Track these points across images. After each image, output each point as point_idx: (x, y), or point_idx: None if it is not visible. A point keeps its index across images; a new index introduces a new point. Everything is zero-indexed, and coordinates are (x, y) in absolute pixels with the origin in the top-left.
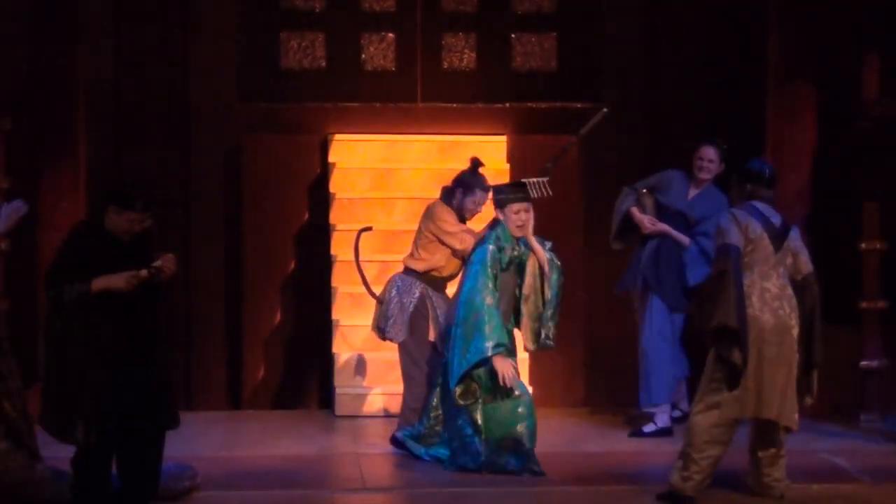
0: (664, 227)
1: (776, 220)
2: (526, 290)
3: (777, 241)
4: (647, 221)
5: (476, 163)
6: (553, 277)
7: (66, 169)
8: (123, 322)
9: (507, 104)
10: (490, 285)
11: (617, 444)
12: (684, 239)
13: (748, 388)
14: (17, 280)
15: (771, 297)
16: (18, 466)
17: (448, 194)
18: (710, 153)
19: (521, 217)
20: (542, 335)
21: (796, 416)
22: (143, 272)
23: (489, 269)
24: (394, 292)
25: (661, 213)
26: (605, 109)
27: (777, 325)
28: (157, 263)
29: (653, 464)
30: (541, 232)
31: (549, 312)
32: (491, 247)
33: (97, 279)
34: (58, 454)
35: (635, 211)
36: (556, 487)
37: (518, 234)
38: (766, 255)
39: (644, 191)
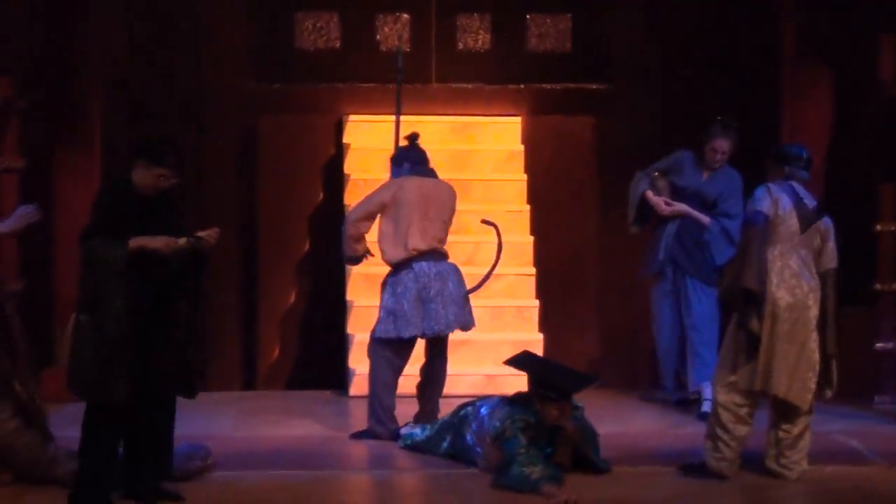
0: (683, 207)
1: (810, 202)
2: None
3: (805, 221)
4: (664, 203)
5: (413, 136)
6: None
7: (81, 150)
8: (159, 283)
9: (522, 85)
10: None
11: (631, 424)
12: (704, 218)
13: (760, 362)
14: (32, 261)
15: (790, 274)
16: (29, 445)
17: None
18: (724, 146)
19: (560, 415)
20: None
21: (808, 395)
22: (183, 241)
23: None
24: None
25: (677, 194)
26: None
27: (793, 303)
28: (200, 233)
29: (668, 443)
30: (554, 218)
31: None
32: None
33: (135, 238)
34: (67, 434)
35: (650, 194)
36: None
37: (554, 423)
38: (791, 234)
39: (657, 174)
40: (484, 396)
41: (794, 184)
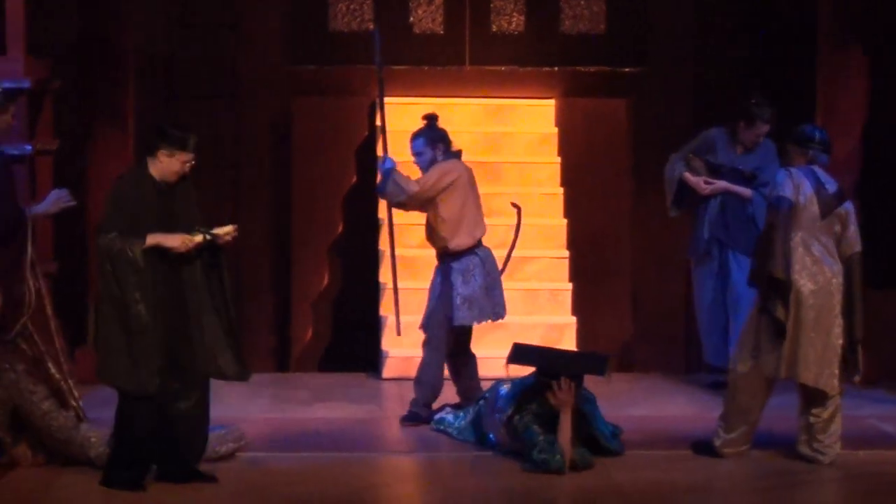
0: (723, 184)
1: (831, 186)
2: None
3: (826, 207)
4: (703, 182)
5: (433, 117)
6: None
7: (115, 130)
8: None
9: (556, 67)
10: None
11: (664, 407)
12: (746, 192)
13: (784, 349)
14: (66, 242)
15: (812, 261)
16: (63, 427)
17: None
18: (766, 129)
19: (565, 400)
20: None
21: (836, 381)
22: (199, 237)
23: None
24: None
25: (713, 172)
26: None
27: (816, 290)
28: (217, 230)
29: (702, 427)
30: (587, 200)
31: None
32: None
33: (152, 235)
34: (101, 414)
35: (689, 176)
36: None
37: (559, 407)
38: (813, 219)
39: (691, 155)
40: (498, 381)
41: (816, 168)
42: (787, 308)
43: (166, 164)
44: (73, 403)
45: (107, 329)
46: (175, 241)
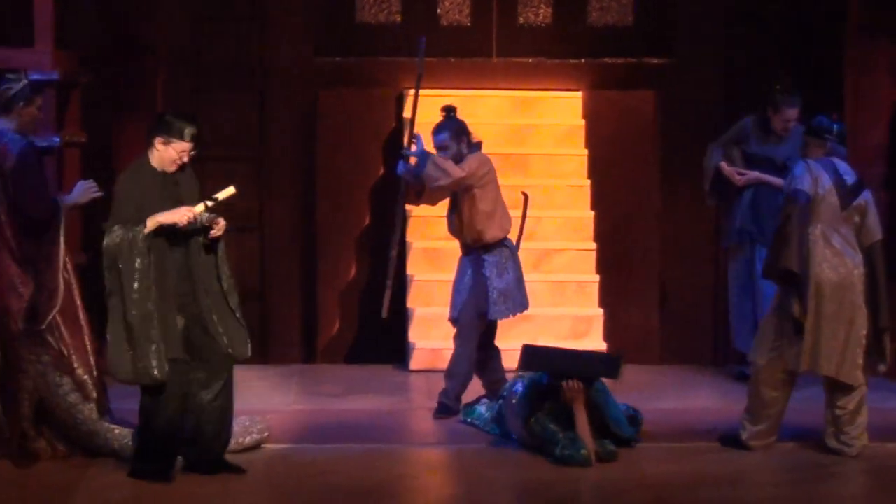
0: (756, 174)
1: (850, 178)
2: None
3: (845, 198)
4: (736, 174)
5: (452, 109)
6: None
7: (142, 123)
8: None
9: (583, 59)
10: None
11: (691, 399)
12: (778, 182)
13: (805, 342)
14: (94, 235)
15: (832, 253)
16: (87, 419)
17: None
18: (793, 114)
19: (575, 396)
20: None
21: (859, 372)
22: (200, 207)
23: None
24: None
25: (749, 161)
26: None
27: (837, 282)
28: (218, 195)
29: (729, 419)
30: (614, 193)
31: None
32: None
33: (150, 217)
34: (125, 406)
35: (724, 165)
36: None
37: (570, 404)
38: (832, 211)
39: (728, 144)
40: (514, 379)
41: (835, 159)
42: (803, 304)
43: (162, 153)
44: (97, 396)
45: (114, 326)
46: (175, 215)
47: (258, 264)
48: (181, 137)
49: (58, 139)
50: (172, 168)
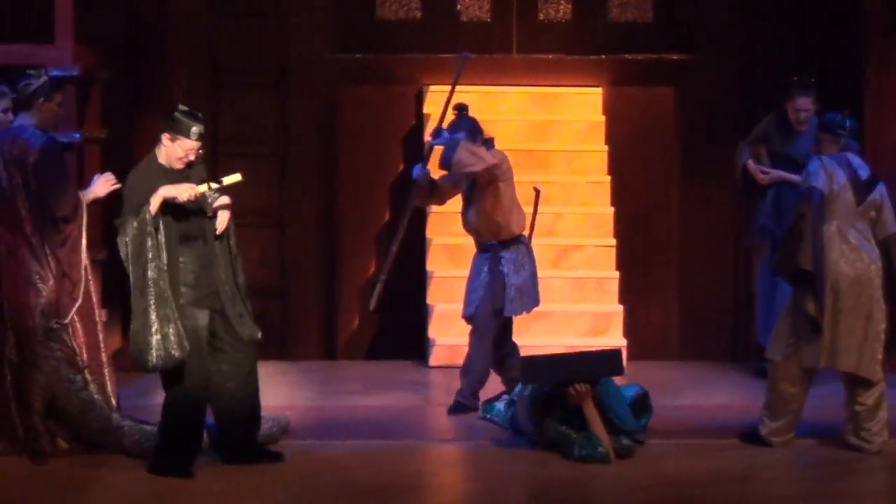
0: (778, 173)
1: (864, 173)
2: None
3: (860, 194)
4: (760, 172)
5: (465, 107)
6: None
7: (161, 119)
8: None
9: (603, 56)
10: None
11: (711, 396)
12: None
13: (823, 339)
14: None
15: (849, 248)
16: (99, 416)
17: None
18: (805, 104)
19: (581, 397)
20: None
21: (878, 367)
22: (204, 187)
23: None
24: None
25: (774, 159)
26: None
27: (854, 277)
28: (224, 179)
29: (749, 415)
30: (634, 189)
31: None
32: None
33: (154, 195)
34: (144, 403)
35: (751, 164)
36: (650, 441)
37: (577, 405)
38: (848, 207)
39: (755, 142)
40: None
41: (849, 155)
42: (818, 302)
43: (169, 149)
44: (109, 393)
45: (136, 315)
46: (177, 190)
47: (279, 261)
48: (188, 136)
49: (78, 135)
50: (179, 165)
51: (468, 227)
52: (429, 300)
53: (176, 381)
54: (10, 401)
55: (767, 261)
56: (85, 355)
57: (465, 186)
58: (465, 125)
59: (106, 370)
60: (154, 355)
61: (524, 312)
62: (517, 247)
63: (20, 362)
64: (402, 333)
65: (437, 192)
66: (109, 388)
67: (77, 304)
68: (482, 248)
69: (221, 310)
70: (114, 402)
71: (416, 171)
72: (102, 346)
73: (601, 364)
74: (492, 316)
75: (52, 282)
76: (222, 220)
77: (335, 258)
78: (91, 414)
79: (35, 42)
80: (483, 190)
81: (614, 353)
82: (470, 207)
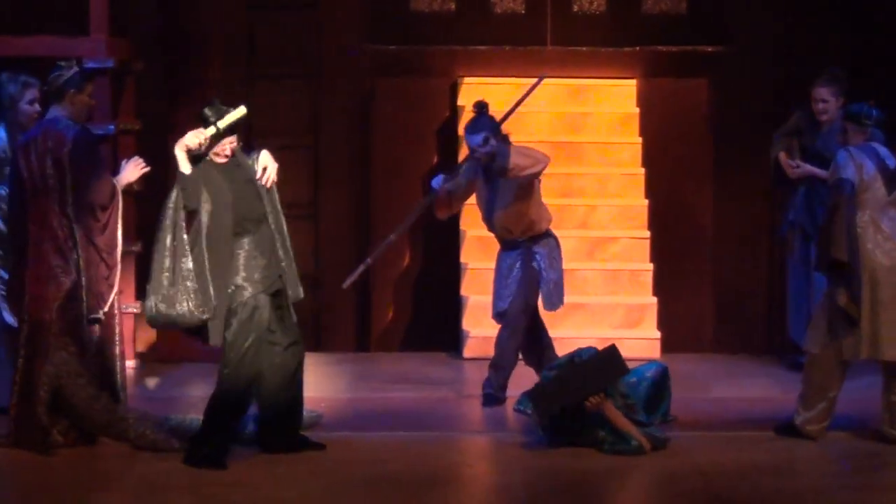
0: (809, 168)
1: (892, 162)
2: None
3: (891, 182)
4: (792, 166)
5: (484, 105)
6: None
7: (196, 111)
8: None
9: (637, 48)
10: None
11: (745, 389)
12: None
13: (863, 330)
14: (149, 223)
15: (883, 238)
16: (105, 409)
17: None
18: (822, 93)
19: (598, 404)
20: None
21: None
22: (211, 129)
23: None
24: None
25: (804, 154)
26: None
27: (890, 266)
28: (227, 117)
29: (782, 408)
30: (668, 181)
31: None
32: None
33: (176, 151)
34: (177, 394)
35: (783, 157)
36: (684, 433)
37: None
38: (879, 197)
39: (789, 135)
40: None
41: (875, 145)
42: (851, 294)
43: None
44: (118, 385)
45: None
46: (187, 139)
47: (313, 252)
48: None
49: (113, 127)
50: (220, 160)
51: (496, 226)
52: (462, 292)
53: (233, 370)
54: (15, 390)
55: (798, 255)
56: (98, 348)
57: (485, 187)
58: (486, 124)
59: (118, 363)
60: (188, 317)
61: (561, 306)
62: (547, 241)
63: (30, 354)
64: (436, 325)
65: (455, 200)
66: (119, 380)
67: (114, 292)
68: (510, 245)
69: (283, 292)
70: (122, 394)
71: (436, 182)
72: (118, 339)
73: (606, 369)
74: (524, 311)
75: (73, 276)
76: (270, 172)
77: (369, 250)
78: (97, 407)
79: (70, 34)
80: (520, 188)
81: (613, 353)
82: (497, 206)
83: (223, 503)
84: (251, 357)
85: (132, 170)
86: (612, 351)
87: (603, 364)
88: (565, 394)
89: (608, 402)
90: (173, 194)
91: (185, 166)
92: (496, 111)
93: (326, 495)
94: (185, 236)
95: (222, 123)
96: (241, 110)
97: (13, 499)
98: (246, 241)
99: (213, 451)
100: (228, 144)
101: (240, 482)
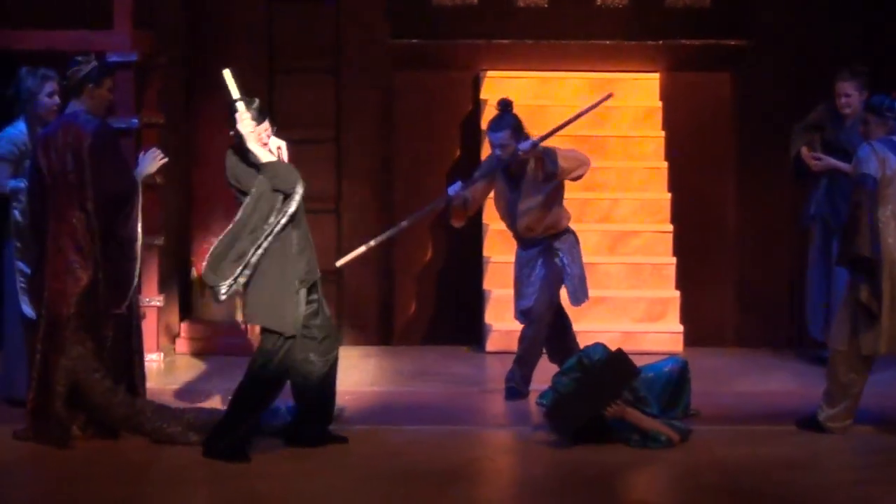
0: (831, 161)
1: None
2: None
3: None
4: (813, 159)
5: (508, 104)
6: None
7: (219, 105)
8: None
9: (660, 41)
10: None
11: (768, 383)
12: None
13: (882, 325)
14: (173, 215)
15: None
16: (122, 402)
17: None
18: (845, 87)
19: (619, 412)
20: None
21: None
22: (244, 115)
23: None
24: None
25: (826, 148)
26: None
27: None
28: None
29: (806, 402)
30: (692, 174)
31: None
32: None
33: (261, 157)
34: (205, 387)
35: (804, 150)
36: (706, 427)
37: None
38: None
39: (810, 128)
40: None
41: None
42: (873, 289)
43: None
44: (135, 379)
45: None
46: (245, 125)
47: (335, 246)
48: (258, 120)
49: (136, 121)
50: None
51: (519, 225)
52: (485, 286)
53: (266, 363)
54: (32, 385)
55: (819, 249)
56: (115, 342)
57: (507, 187)
58: (510, 122)
59: (136, 356)
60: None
61: (586, 300)
62: (568, 237)
63: (48, 349)
64: (459, 319)
65: (472, 205)
66: (138, 373)
67: (135, 282)
68: (530, 243)
69: (315, 287)
70: (140, 388)
71: (452, 189)
72: (135, 332)
73: (617, 375)
74: (548, 308)
75: (92, 271)
76: (285, 150)
77: (391, 243)
78: (114, 400)
79: (93, 28)
80: (553, 189)
81: (621, 357)
82: (521, 206)
83: (247, 495)
84: (285, 352)
85: (150, 162)
86: (619, 355)
87: (613, 370)
88: (581, 408)
89: (628, 409)
90: (255, 187)
91: (265, 154)
92: (520, 105)
93: (349, 488)
94: (282, 221)
95: (235, 94)
96: (225, 72)
97: (37, 492)
98: (295, 234)
99: (234, 444)
100: (264, 132)
101: (263, 474)
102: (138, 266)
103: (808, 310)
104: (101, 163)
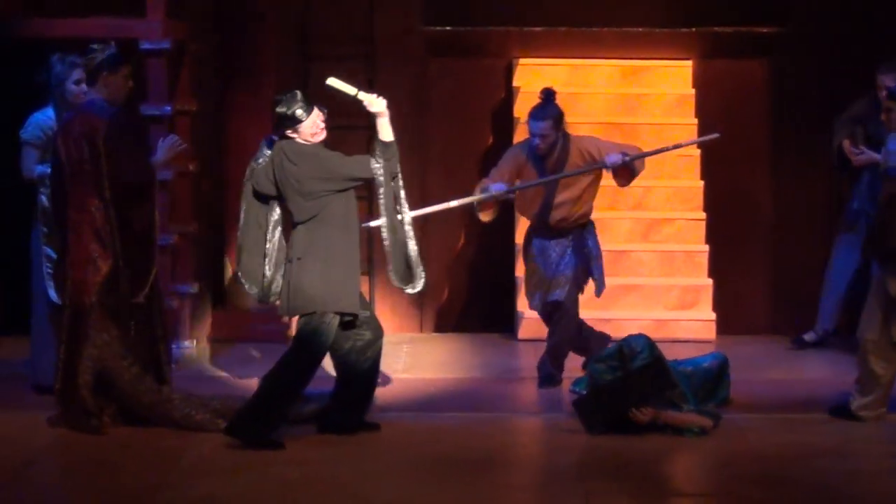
0: (872, 155)
1: None
2: None
3: None
4: (855, 153)
5: (551, 94)
6: None
7: (253, 93)
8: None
9: (693, 28)
10: None
11: (802, 371)
12: None
13: None
14: (205, 203)
15: None
16: (149, 390)
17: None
18: (886, 81)
19: (651, 418)
20: None
21: None
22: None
23: None
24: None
25: (869, 142)
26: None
27: None
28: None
29: (839, 390)
30: (724, 162)
31: None
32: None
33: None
34: (232, 372)
35: (846, 143)
36: (739, 414)
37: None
38: None
39: (853, 120)
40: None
41: None
42: None
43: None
44: (160, 367)
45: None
46: (379, 104)
47: (366, 234)
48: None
49: (169, 108)
50: (317, 139)
51: (553, 216)
52: (517, 273)
53: (302, 351)
54: (58, 374)
55: (857, 244)
56: (139, 330)
57: (541, 179)
58: (553, 112)
59: (162, 344)
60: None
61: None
62: (591, 225)
63: (72, 338)
64: (491, 306)
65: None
66: (165, 361)
67: (154, 272)
68: (557, 233)
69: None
70: (165, 375)
71: (497, 187)
72: (158, 320)
73: (653, 385)
74: (576, 301)
75: (112, 259)
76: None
77: (424, 231)
78: (141, 388)
79: (126, 15)
80: (595, 180)
81: (661, 369)
82: (558, 198)
83: (279, 481)
84: (322, 342)
85: (167, 150)
86: (659, 365)
87: (651, 379)
88: (612, 407)
89: (661, 413)
90: (377, 165)
91: (390, 133)
92: (561, 93)
93: (381, 475)
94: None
95: (352, 90)
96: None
97: (66, 479)
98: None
99: (263, 430)
100: (319, 118)
101: (295, 461)
102: (156, 254)
103: (822, 307)
104: (116, 152)
